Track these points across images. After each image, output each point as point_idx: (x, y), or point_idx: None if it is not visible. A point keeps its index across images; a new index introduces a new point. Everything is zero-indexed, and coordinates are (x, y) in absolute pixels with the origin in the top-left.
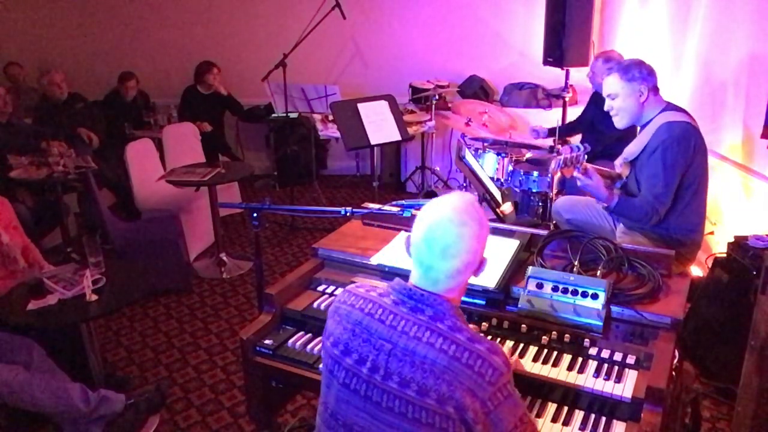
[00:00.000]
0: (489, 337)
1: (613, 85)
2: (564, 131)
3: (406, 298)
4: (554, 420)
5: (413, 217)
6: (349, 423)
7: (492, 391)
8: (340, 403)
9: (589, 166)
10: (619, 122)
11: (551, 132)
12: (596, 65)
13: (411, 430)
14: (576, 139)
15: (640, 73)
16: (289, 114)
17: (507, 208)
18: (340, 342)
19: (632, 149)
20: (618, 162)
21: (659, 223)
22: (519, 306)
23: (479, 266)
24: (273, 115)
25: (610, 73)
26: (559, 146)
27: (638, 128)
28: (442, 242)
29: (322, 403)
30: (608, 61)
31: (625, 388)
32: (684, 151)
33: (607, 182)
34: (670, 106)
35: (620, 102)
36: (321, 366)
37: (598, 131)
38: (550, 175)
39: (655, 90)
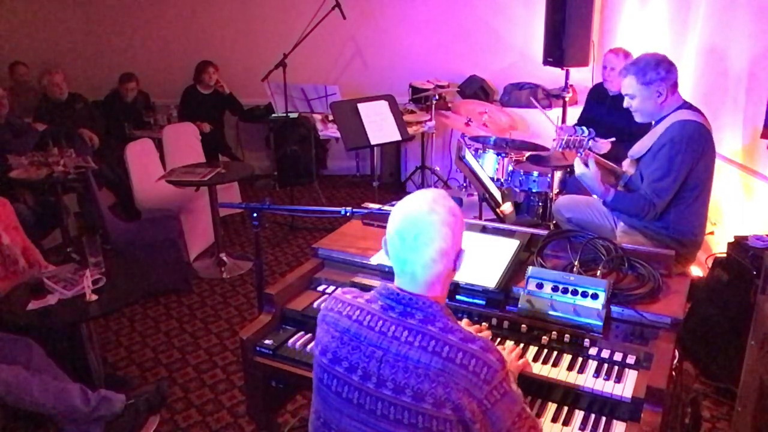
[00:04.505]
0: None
1: (629, 87)
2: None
3: (394, 303)
4: (554, 420)
5: None
6: (342, 431)
7: (488, 390)
8: (332, 412)
9: (592, 154)
10: (638, 119)
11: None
12: (614, 61)
13: None
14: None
15: (658, 74)
16: (289, 114)
17: (507, 208)
18: (329, 350)
19: (639, 147)
20: (626, 162)
21: (659, 222)
22: (519, 306)
23: (456, 257)
24: (273, 115)
25: (627, 74)
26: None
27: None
28: (414, 230)
29: (314, 412)
30: (626, 57)
31: (625, 388)
32: (693, 152)
33: (610, 179)
34: (686, 105)
35: (638, 103)
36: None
37: (615, 127)
38: (553, 153)
39: (674, 87)
